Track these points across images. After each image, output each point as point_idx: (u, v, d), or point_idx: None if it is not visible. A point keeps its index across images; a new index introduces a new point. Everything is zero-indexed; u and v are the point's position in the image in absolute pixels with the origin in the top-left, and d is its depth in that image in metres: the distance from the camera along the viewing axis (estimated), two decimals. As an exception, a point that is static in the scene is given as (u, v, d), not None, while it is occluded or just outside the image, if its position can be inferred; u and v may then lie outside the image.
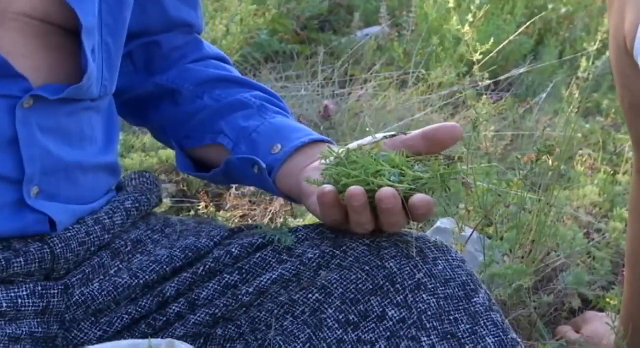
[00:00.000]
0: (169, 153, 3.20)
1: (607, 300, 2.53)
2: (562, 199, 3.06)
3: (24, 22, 1.52)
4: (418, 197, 1.42)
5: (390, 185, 1.42)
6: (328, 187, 1.45)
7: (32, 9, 1.52)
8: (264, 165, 1.62)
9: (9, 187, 1.48)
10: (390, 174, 1.44)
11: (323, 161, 1.52)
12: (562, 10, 5.15)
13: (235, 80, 1.79)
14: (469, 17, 4.16)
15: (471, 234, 2.70)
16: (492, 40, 4.18)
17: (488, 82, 3.98)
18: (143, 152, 3.32)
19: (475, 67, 3.70)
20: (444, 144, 1.50)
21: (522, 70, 4.55)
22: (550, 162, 2.81)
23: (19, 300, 1.50)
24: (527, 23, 4.73)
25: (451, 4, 4.36)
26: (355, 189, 1.41)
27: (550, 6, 5.06)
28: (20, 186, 1.50)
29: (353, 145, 1.55)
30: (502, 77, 4.51)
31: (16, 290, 1.50)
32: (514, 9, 4.92)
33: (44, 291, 1.52)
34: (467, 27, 3.97)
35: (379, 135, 1.55)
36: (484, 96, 3.55)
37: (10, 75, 1.48)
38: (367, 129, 1.59)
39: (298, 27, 5.01)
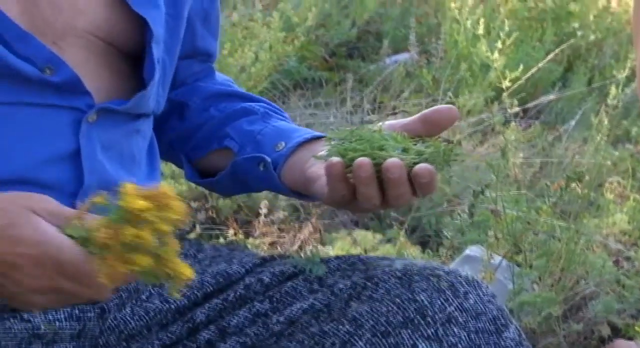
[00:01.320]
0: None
1: (637, 328, 2.53)
2: (591, 227, 3.07)
3: (88, 40, 1.57)
4: (421, 166, 1.44)
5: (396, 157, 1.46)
6: (335, 159, 1.48)
7: (96, 28, 1.57)
8: (269, 160, 1.67)
9: (63, 199, 1.48)
10: (394, 148, 1.48)
11: (328, 142, 1.55)
12: (591, 38, 5.16)
13: (240, 95, 1.85)
14: (498, 44, 4.19)
15: (500, 262, 2.71)
16: (521, 67, 4.21)
17: (517, 109, 3.99)
18: (172, 179, 3.35)
19: (505, 94, 3.72)
20: (442, 125, 1.55)
21: (551, 97, 4.57)
22: (579, 190, 2.83)
23: (57, 323, 1.51)
24: (556, 50, 4.75)
25: (480, 31, 4.39)
26: (363, 160, 1.45)
27: (579, 33, 5.08)
28: (74, 199, 1.52)
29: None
30: (531, 105, 4.53)
31: (54, 313, 1.51)
32: (543, 36, 4.94)
33: (81, 314, 1.53)
34: (496, 54, 3.99)
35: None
36: (513, 123, 3.57)
37: (78, 90, 1.53)
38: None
39: (327, 54, 5.06)
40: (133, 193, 1.31)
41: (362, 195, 1.49)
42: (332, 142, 1.53)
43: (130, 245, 1.31)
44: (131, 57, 1.64)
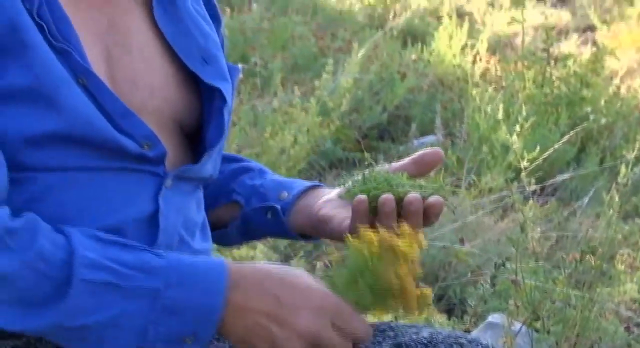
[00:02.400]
0: (242, 253, 3.25)
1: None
2: (604, 296, 3.07)
3: (160, 115, 1.61)
4: (434, 198, 1.53)
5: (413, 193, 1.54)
6: (362, 196, 1.54)
7: (167, 103, 1.62)
8: (278, 207, 1.74)
9: None
10: (406, 185, 1.56)
11: (344, 185, 1.62)
12: (602, 121, 5.16)
13: (234, 157, 1.91)
14: (517, 127, 4.21)
15: (520, 328, 2.72)
16: (538, 148, 4.23)
17: (535, 187, 4.01)
18: (219, 252, 3.37)
19: (523, 173, 3.73)
20: (431, 165, 1.63)
21: (566, 176, 4.56)
22: (593, 262, 2.84)
23: None
24: (571, 133, 4.75)
25: (500, 116, 4.43)
26: (387, 196, 1.52)
27: (591, 117, 5.07)
28: None
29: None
30: (547, 183, 4.52)
31: None
32: (558, 120, 4.95)
33: None
34: (515, 137, 4.02)
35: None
36: (531, 200, 3.58)
37: (162, 158, 1.57)
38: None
39: (360, 136, 5.05)
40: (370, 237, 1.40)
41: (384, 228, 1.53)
42: (348, 185, 1.60)
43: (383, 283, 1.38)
44: (188, 131, 1.67)
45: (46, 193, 1.51)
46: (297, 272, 1.48)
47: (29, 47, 1.47)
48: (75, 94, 1.49)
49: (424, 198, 1.53)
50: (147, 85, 1.60)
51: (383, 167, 1.64)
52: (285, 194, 1.74)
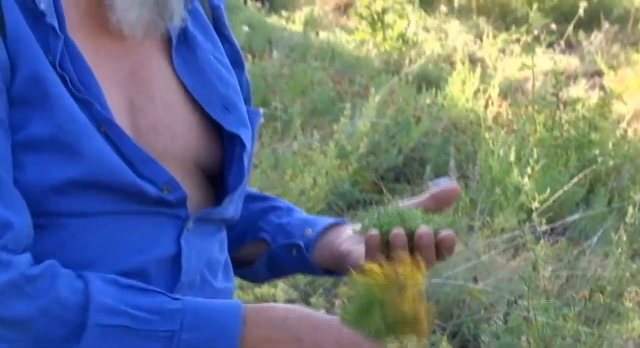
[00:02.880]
0: (263, 291, 3.25)
1: None
2: (613, 332, 3.08)
3: (182, 160, 1.61)
4: (447, 233, 1.51)
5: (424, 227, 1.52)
6: (374, 231, 1.53)
7: (189, 149, 1.61)
8: (302, 244, 1.73)
9: None
10: (419, 220, 1.54)
11: (361, 220, 1.59)
12: (610, 163, 5.16)
13: (264, 197, 1.88)
14: (528, 169, 4.23)
15: (532, 364, 2.73)
16: (548, 190, 4.24)
17: (546, 227, 4.01)
18: (241, 290, 3.38)
19: (534, 214, 3.75)
20: (448, 201, 1.61)
21: (575, 216, 4.56)
22: (602, 299, 2.84)
23: None
24: (580, 175, 4.76)
25: (512, 159, 4.45)
26: (399, 231, 1.50)
27: (600, 159, 5.08)
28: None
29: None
30: (557, 223, 4.52)
31: None
32: (568, 162, 4.95)
33: None
34: (526, 179, 4.04)
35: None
36: (542, 240, 3.59)
37: (182, 201, 1.57)
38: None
39: (377, 178, 5.05)
40: (375, 270, 1.38)
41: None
42: (365, 220, 1.58)
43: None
44: (210, 174, 1.67)
45: (71, 238, 1.52)
46: (312, 311, 1.48)
47: (52, 98, 1.48)
48: (97, 142, 1.50)
49: (436, 232, 1.51)
50: (169, 131, 1.60)
51: (400, 203, 1.63)
52: (309, 231, 1.73)
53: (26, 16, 1.51)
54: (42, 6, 1.50)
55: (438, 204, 1.60)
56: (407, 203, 1.63)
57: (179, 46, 1.64)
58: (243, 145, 1.64)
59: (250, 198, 1.83)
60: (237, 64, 1.75)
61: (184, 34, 1.65)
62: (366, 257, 1.56)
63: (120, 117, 1.55)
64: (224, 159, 1.66)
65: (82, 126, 1.49)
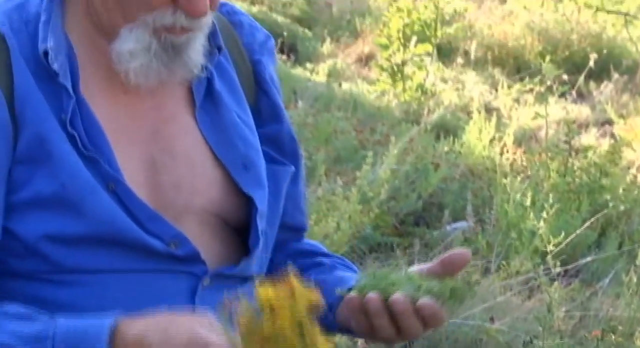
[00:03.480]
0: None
1: None
2: (625, 370, 3.07)
3: (203, 215, 1.60)
4: (423, 301, 1.47)
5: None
6: (352, 294, 1.53)
7: (211, 206, 1.60)
8: (324, 304, 1.66)
9: None
10: (407, 286, 1.50)
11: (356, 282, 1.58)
12: (621, 208, 5.15)
13: (319, 252, 1.83)
14: (543, 214, 4.23)
15: (547, 401, 2.72)
16: (562, 233, 4.24)
17: (559, 269, 4.01)
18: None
19: (549, 256, 3.75)
20: (457, 266, 1.56)
21: (588, 259, 4.55)
22: (614, 339, 2.84)
23: None
24: (592, 219, 4.76)
25: (527, 203, 4.45)
26: (371, 295, 1.49)
27: (610, 204, 5.07)
28: None
29: None
30: (571, 265, 4.51)
31: None
32: (580, 206, 4.94)
33: None
34: (541, 223, 4.04)
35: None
36: (556, 282, 3.59)
37: (196, 259, 1.56)
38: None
39: (397, 222, 5.06)
40: (266, 286, 1.31)
41: (376, 326, 1.51)
42: (358, 282, 1.57)
43: (272, 336, 1.29)
44: (236, 227, 1.65)
45: (86, 293, 1.51)
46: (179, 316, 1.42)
47: (56, 158, 1.48)
48: (102, 200, 1.49)
49: (414, 300, 1.47)
50: (190, 187, 1.59)
51: (412, 268, 1.59)
52: (339, 290, 1.68)
53: (39, 74, 1.51)
54: (56, 66, 1.50)
55: (447, 270, 1.56)
56: (417, 268, 1.59)
57: (204, 103, 1.62)
58: (257, 208, 1.62)
59: (300, 253, 1.81)
60: (275, 119, 1.73)
61: (209, 90, 1.63)
62: (352, 322, 1.55)
63: (134, 173, 1.54)
64: (248, 212, 1.64)
65: (86, 184, 1.49)
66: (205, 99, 1.63)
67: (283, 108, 1.75)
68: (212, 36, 1.61)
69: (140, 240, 1.51)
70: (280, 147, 1.73)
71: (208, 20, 1.55)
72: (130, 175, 1.53)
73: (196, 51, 1.55)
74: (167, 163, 1.58)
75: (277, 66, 1.79)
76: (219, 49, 1.63)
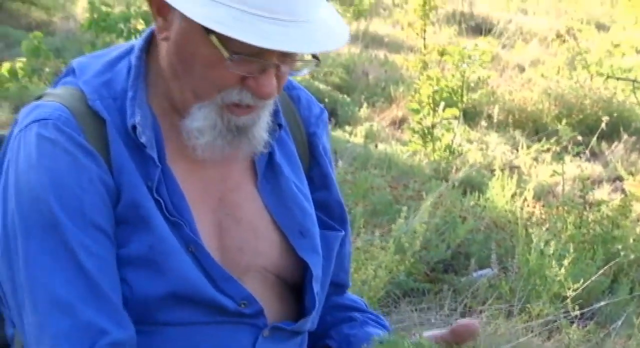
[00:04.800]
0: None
1: None
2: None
3: (264, 275, 1.61)
4: None
5: None
6: None
7: (271, 266, 1.61)
8: None
9: None
10: None
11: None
12: (631, 256, 5.11)
13: (354, 307, 1.83)
14: (563, 262, 4.22)
15: None
16: (579, 280, 4.23)
17: (577, 312, 3.99)
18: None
19: (567, 300, 3.74)
20: (465, 337, 1.55)
21: (602, 303, 4.52)
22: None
23: None
24: (605, 267, 4.73)
25: (546, 253, 4.43)
26: None
27: (622, 253, 5.05)
28: None
29: None
30: (586, 309, 4.48)
31: None
32: (595, 255, 4.90)
33: None
34: (559, 270, 4.03)
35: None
36: (574, 324, 3.57)
37: (260, 315, 1.57)
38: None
39: (428, 269, 5.05)
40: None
41: None
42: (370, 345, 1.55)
43: None
44: (293, 286, 1.66)
45: (166, 342, 1.52)
46: None
47: (146, 222, 1.49)
48: (183, 260, 1.50)
49: None
50: (253, 250, 1.59)
51: (425, 333, 1.57)
52: (365, 346, 1.67)
53: (129, 146, 1.51)
54: (144, 140, 1.50)
55: (457, 339, 1.56)
56: (429, 334, 1.58)
57: (266, 173, 1.63)
58: (312, 272, 1.62)
59: (338, 307, 1.80)
60: (325, 186, 1.73)
61: (270, 162, 1.63)
62: None
63: (208, 237, 1.55)
64: (303, 276, 1.65)
65: (170, 247, 1.50)
66: (266, 169, 1.63)
67: (333, 177, 1.75)
68: (274, 114, 1.61)
69: (214, 299, 1.52)
70: (329, 212, 1.72)
71: (272, 101, 1.56)
72: (204, 238, 1.53)
73: (261, 129, 1.55)
74: (232, 227, 1.58)
75: (330, 135, 1.78)
76: (280, 126, 1.64)
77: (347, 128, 8.59)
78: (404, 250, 4.76)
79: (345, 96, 9.63)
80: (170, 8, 1.46)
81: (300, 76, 1.60)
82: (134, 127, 1.51)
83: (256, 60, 1.45)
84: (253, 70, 1.46)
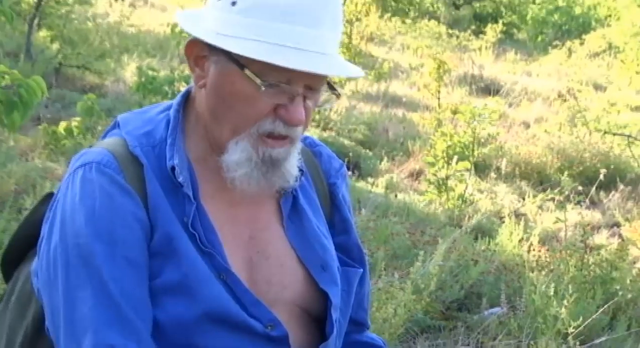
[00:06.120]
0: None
1: None
2: None
3: (289, 306, 1.62)
4: None
5: None
6: None
7: (296, 297, 1.62)
8: None
9: None
10: None
11: None
12: (629, 296, 5.10)
13: (373, 345, 1.81)
14: (564, 302, 4.21)
15: None
16: (580, 318, 4.21)
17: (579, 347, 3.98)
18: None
19: (570, 337, 3.72)
20: None
21: (602, 339, 4.50)
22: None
23: None
24: (605, 305, 4.72)
25: (550, 293, 4.42)
26: None
27: (620, 293, 5.03)
28: None
29: None
30: (587, 345, 4.46)
31: None
32: (595, 295, 4.89)
33: None
34: (562, 309, 4.02)
35: None
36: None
37: (284, 340, 1.57)
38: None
39: (444, 308, 5.04)
40: None
41: None
42: None
43: None
44: (315, 317, 1.66)
45: None
46: None
47: (180, 253, 1.50)
48: (215, 287, 1.51)
49: None
50: (280, 283, 1.60)
51: None
52: None
53: (166, 186, 1.53)
54: (180, 179, 1.53)
55: None
56: None
57: (291, 215, 1.64)
58: (332, 301, 1.63)
59: (356, 344, 1.79)
60: (345, 231, 1.74)
61: (294, 205, 1.65)
62: None
63: (238, 270, 1.55)
64: (324, 307, 1.65)
65: (203, 275, 1.51)
66: (291, 212, 1.65)
67: (352, 222, 1.76)
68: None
69: (244, 321, 1.53)
70: (349, 254, 1.74)
71: (300, 132, 1.57)
72: (234, 270, 1.55)
73: (292, 164, 1.58)
74: (261, 263, 1.59)
75: (349, 186, 1.81)
76: (301, 170, 1.66)
77: (369, 179, 8.61)
78: (421, 291, 4.76)
79: (368, 151, 9.67)
80: (205, 58, 1.53)
81: (325, 108, 1.62)
82: (173, 168, 1.54)
83: (286, 88, 1.49)
84: (284, 99, 1.50)
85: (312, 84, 1.51)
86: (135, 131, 1.58)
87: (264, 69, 1.46)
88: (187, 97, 1.63)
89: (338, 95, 1.57)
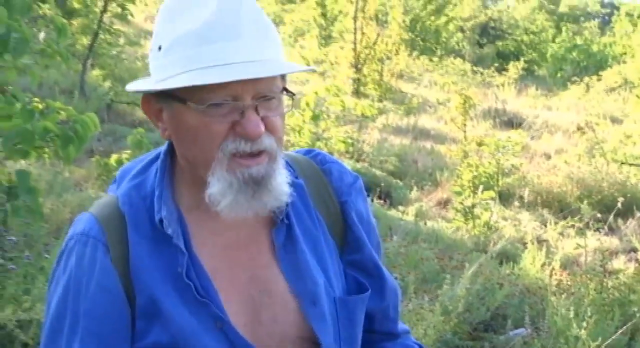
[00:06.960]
0: None
1: None
2: None
3: (293, 338, 1.52)
4: None
5: None
6: None
7: (302, 334, 1.52)
8: None
9: None
10: None
11: None
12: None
13: (392, 333, 1.71)
14: (584, 323, 4.19)
15: None
16: (599, 339, 4.19)
17: (599, 368, 3.95)
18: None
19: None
20: None
21: (621, 359, 4.49)
22: None
23: None
24: (623, 327, 4.68)
25: (571, 315, 4.39)
26: None
27: (638, 314, 4.99)
28: None
29: None
30: (607, 366, 4.45)
31: None
32: (613, 317, 4.87)
33: None
34: (582, 331, 4.01)
35: None
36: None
37: None
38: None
39: (471, 329, 5.02)
40: None
41: None
42: None
43: None
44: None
45: None
46: None
47: (165, 314, 1.43)
48: (211, 337, 1.44)
49: None
50: (285, 320, 1.51)
51: None
52: None
53: (156, 238, 1.45)
54: (170, 231, 1.44)
55: None
56: None
57: (286, 244, 1.53)
58: (320, 340, 1.52)
59: (389, 334, 1.70)
60: (358, 249, 1.61)
61: (289, 234, 1.54)
62: None
63: (238, 314, 1.47)
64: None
65: (191, 333, 1.43)
66: (286, 240, 1.53)
67: (365, 240, 1.63)
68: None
69: None
70: (364, 271, 1.62)
71: (274, 144, 1.44)
72: (233, 315, 1.47)
73: (279, 181, 1.44)
74: (264, 300, 1.51)
75: (367, 199, 1.68)
76: (295, 182, 1.53)
77: (400, 208, 8.63)
78: (450, 312, 4.76)
79: (398, 181, 9.70)
80: (160, 110, 1.46)
81: (286, 112, 1.48)
82: (161, 221, 1.45)
83: (233, 104, 1.39)
84: (235, 116, 1.39)
85: (260, 92, 1.40)
86: (126, 185, 1.52)
87: (203, 95, 1.37)
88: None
89: (293, 95, 1.46)
